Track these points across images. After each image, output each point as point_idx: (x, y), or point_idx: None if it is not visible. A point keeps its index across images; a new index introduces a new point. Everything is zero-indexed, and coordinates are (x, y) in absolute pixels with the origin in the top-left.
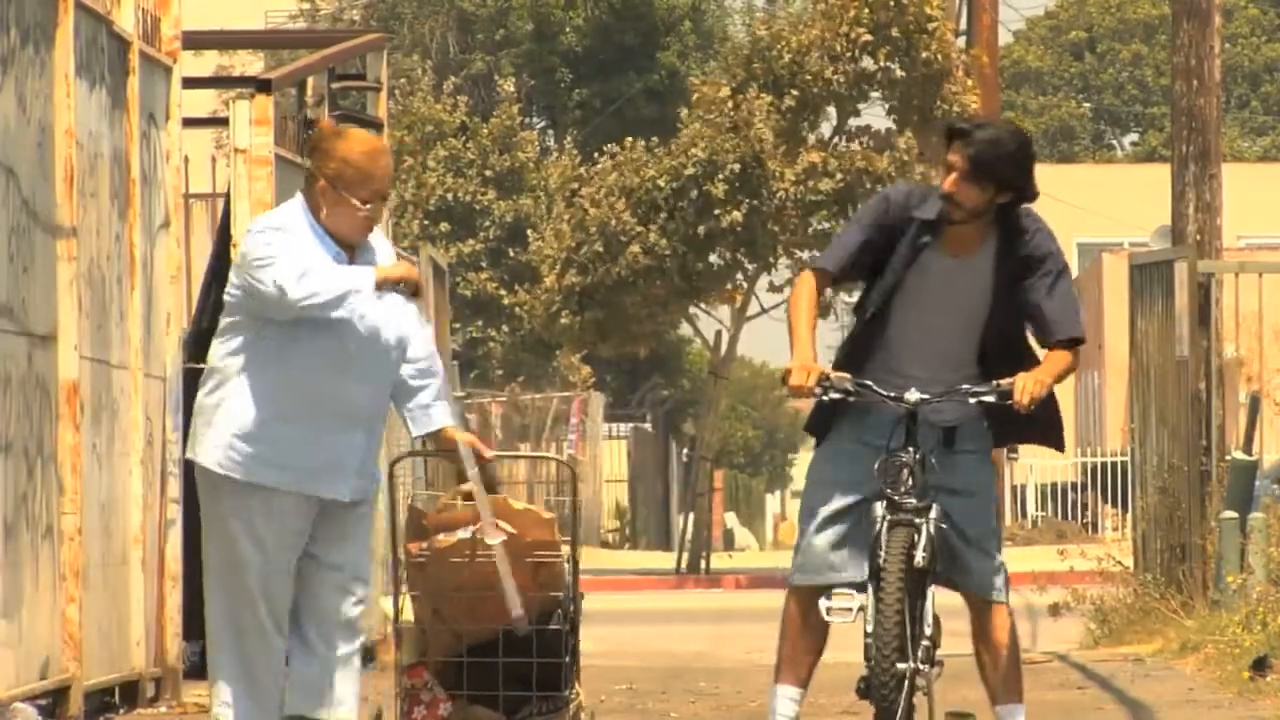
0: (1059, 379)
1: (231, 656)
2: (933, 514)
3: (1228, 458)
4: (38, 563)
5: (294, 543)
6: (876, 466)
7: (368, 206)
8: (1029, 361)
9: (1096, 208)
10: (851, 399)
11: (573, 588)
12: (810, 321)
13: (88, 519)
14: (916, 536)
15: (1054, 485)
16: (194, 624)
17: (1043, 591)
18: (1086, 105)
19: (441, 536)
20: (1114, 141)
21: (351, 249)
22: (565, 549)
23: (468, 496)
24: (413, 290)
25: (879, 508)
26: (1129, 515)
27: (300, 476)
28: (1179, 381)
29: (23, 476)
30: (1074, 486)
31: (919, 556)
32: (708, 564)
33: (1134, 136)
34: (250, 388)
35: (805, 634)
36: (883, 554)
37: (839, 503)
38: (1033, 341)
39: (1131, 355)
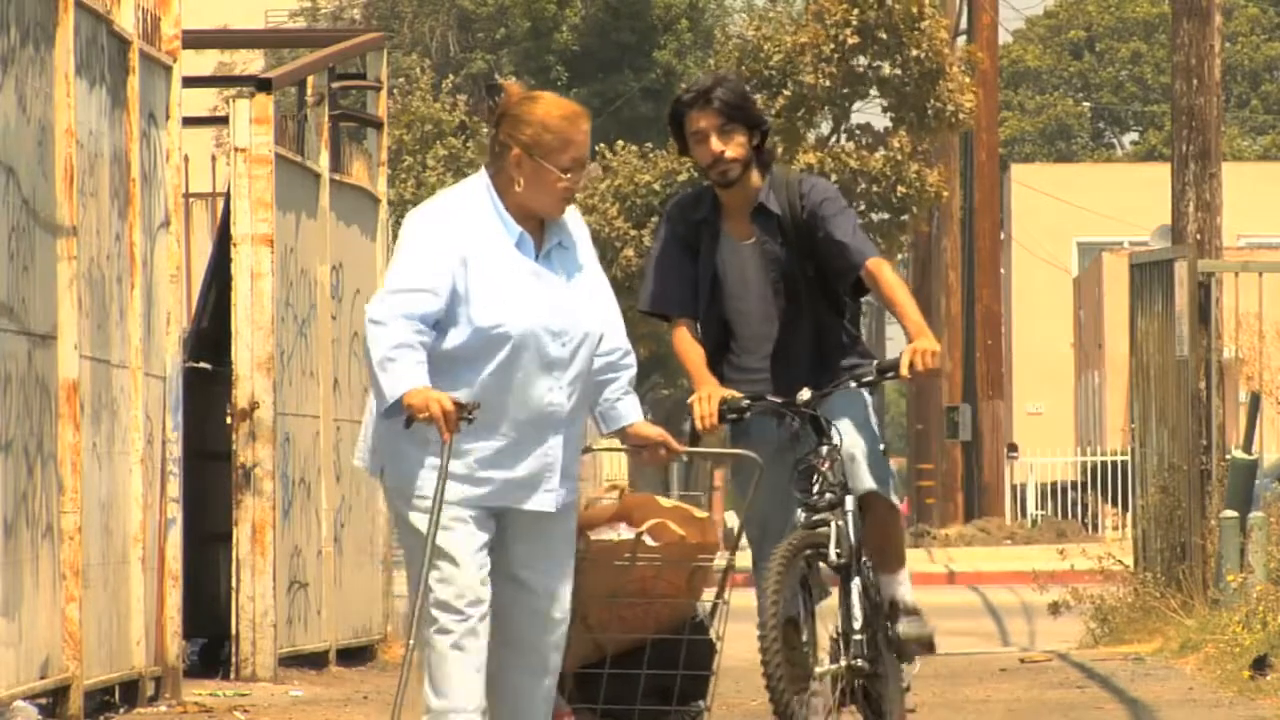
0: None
1: (437, 674)
2: (848, 507)
3: (1228, 457)
4: (38, 562)
5: (484, 554)
6: (791, 479)
7: (568, 175)
8: (842, 306)
9: (1096, 207)
10: (748, 415)
11: (720, 593)
12: (697, 356)
13: (88, 518)
14: (828, 533)
15: (1054, 484)
16: (193, 623)
17: (1043, 590)
18: (1085, 104)
19: (593, 535)
20: (1113, 140)
21: (540, 227)
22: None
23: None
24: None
25: (801, 515)
26: (1129, 514)
27: (497, 490)
28: (1179, 381)
29: (23, 475)
30: (1074, 486)
31: (833, 553)
32: None
33: (1133, 135)
34: None
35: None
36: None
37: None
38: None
39: (1131, 355)
